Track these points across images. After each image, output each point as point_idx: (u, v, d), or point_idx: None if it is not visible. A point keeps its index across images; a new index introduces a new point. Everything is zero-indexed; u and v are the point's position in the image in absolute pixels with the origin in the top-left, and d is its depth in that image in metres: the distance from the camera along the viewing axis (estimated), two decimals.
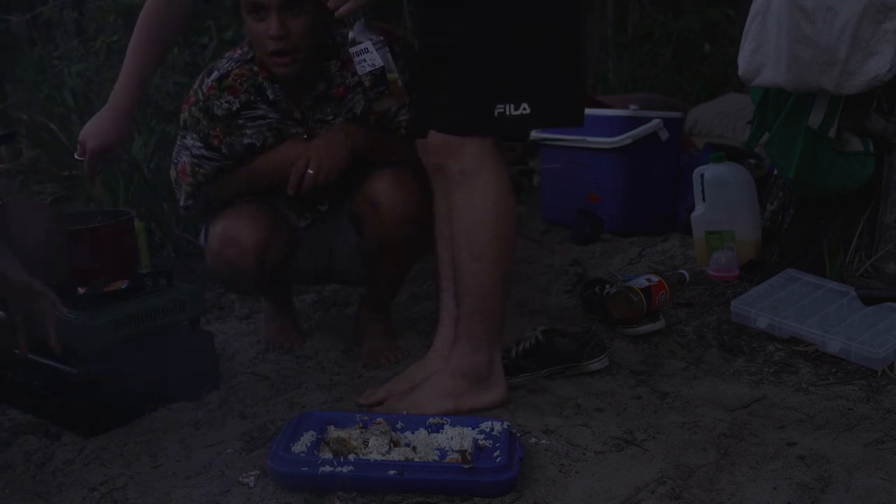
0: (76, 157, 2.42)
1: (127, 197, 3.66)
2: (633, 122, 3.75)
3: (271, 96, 2.52)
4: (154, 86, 3.58)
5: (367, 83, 2.16)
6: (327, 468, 1.95)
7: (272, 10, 2.36)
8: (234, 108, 2.52)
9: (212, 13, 3.92)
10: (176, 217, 3.60)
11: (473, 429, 2.14)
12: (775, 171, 3.19)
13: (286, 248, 2.63)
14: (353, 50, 2.15)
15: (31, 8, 5.39)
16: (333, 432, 2.10)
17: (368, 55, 2.13)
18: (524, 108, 2.18)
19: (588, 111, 3.91)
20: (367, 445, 2.05)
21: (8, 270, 1.86)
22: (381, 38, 2.15)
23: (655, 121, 3.73)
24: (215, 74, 2.53)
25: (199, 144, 2.56)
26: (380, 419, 2.14)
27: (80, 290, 2.32)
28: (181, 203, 2.65)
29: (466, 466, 1.93)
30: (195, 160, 2.57)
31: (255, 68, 2.52)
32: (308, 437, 2.08)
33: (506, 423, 2.12)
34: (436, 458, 2.06)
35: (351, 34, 2.14)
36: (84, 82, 3.89)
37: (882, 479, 1.96)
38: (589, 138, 3.80)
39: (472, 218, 2.23)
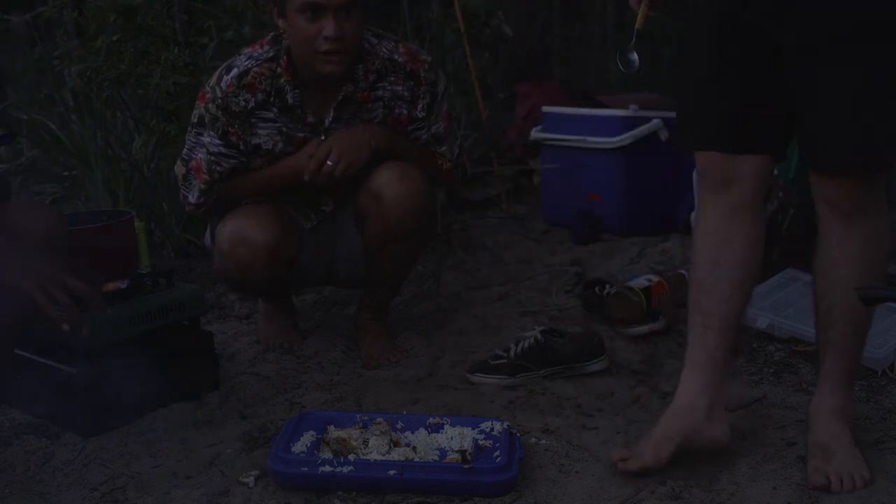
0: None
1: (127, 197, 3.66)
2: (633, 122, 3.75)
3: (290, 100, 2.52)
4: (154, 86, 3.57)
5: None
6: (327, 468, 1.95)
7: (330, 11, 2.37)
8: (250, 107, 2.52)
9: (212, 13, 3.91)
10: (176, 217, 3.59)
11: (473, 429, 2.14)
12: (775, 171, 3.19)
13: (296, 247, 2.63)
14: None
15: (31, 8, 5.38)
16: (333, 432, 2.10)
17: None
18: None
19: (588, 111, 3.97)
20: (367, 445, 2.05)
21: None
22: None
23: (655, 121, 3.73)
24: (235, 72, 2.51)
25: (218, 142, 2.55)
26: (380, 419, 2.14)
27: None
28: (192, 200, 2.63)
29: (466, 466, 1.93)
30: (213, 157, 2.56)
31: (278, 69, 2.51)
32: (308, 437, 2.08)
33: (506, 423, 2.12)
34: (436, 458, 2.06)
35: None
36: (84, 82, 3.88)
37: (882, 478, 1.96)
38: (589, 138, 3.80)
39: (881, 250, 1.97)
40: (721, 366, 2.04)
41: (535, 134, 4.03)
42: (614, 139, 3.73)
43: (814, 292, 2.03)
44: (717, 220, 2.05)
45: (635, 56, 2.05)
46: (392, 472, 1.94)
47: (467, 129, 4.26)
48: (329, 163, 2.46)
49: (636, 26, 2.02)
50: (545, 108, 4.07)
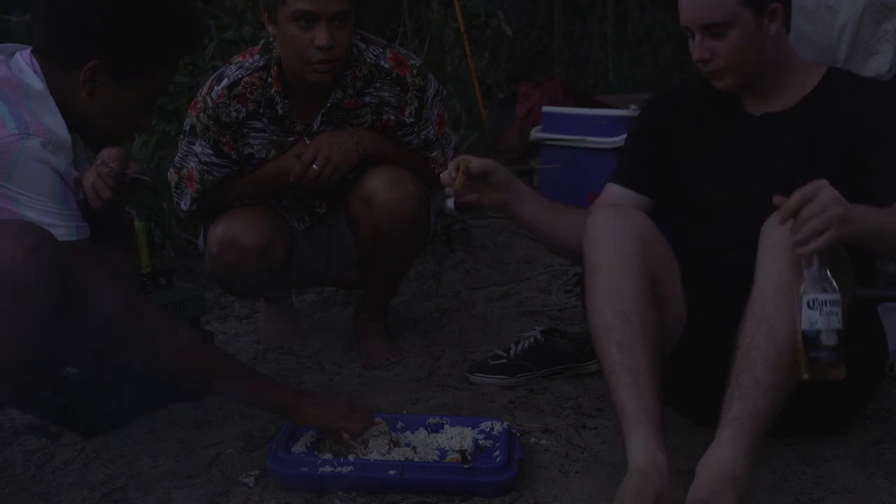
0: None
1: None
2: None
3: (280, 111, 2.51)
4: None
5: (825, 342, 1.70)
6: (327, 468, 1.95)
7: (323, 20, 2.35)
8: (241, 117, 2.52)
9: (212, 13, 3.93)
10: (176, 217, 3.60)
11: (473, 429, 2.14)
12: None
13: (286, 249, 2.63)
14: (815, 298, 1.70)
15: (31, 8, 5.39)
16: None
17: (836, 308, 1.70)
18: None
19: (588, 111, 3.97)
20: (367, 445, 2.05)
21: None
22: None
23: None
24: (225, 82, 2.50)
25: (210, 151, 2.55)
26: (379, 419, 2.13)
27: None
28: (184, 208, 2.64)
29: (466, 466, 1.93)
30: (204, 167, 2.56)
31: (269, 79, 2.49)
32: (308, 437, 2.08)
33: (506, 423, 2.12)
34: (436, 458, 2.06)
35: (807, 281, 1.71)
36: None
37: (882, 478, 1.96)
38: (589, 138, 3.81)
39: None
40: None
41: (535, 134, 4.03)
42: (614, 139, 3.73)
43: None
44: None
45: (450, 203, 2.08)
46: (392, 472, 1.94)
47: (467, 129, 4.27)
48: (315, 166, 2.45)
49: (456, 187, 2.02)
50: (545, 108, 4.08)
